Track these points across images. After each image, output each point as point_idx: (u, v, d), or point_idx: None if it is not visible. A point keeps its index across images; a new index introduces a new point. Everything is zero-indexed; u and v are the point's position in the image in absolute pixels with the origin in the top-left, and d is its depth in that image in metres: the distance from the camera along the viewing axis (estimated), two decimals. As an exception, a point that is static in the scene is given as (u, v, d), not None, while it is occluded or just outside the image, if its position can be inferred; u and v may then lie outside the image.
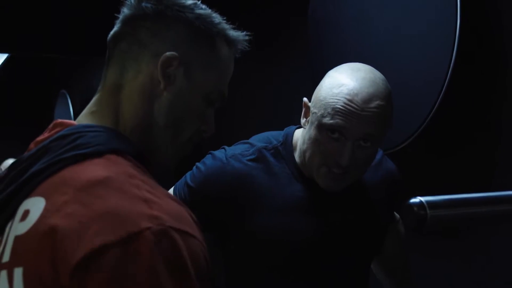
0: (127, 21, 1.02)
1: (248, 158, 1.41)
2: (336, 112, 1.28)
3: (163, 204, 0.86)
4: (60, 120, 1.00)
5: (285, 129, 1.49)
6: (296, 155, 1.42)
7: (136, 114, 0.98)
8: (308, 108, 1.38)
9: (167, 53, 0.97)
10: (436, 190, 1.45)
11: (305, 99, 1.40)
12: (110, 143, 0.93)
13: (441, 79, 1.76)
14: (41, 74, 6.11)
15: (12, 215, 0.90)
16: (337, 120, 1.27)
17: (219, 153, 1.44)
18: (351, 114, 1.27)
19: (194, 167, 1.46)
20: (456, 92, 1.78)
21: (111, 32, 1.04)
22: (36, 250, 0.82)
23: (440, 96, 1.77)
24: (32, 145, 0.98)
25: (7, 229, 0.90)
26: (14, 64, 5.66)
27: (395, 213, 1.58)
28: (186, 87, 1.00)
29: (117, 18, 1.04)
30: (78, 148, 0.90)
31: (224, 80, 1.06)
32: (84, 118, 1.00)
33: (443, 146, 1.97)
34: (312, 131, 1.33)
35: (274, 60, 2.87)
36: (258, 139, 1.47)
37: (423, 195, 0.88)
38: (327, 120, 1.29)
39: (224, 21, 1.05)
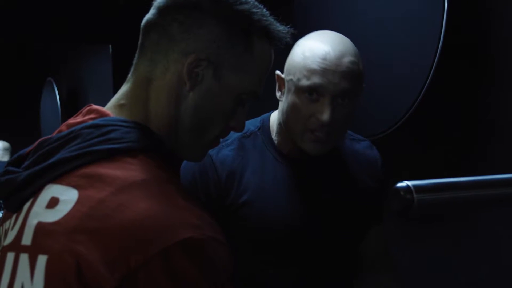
0: (161, 9, 0.97)
1: (229, 148, 1.41)
2: (311, 73, 1.30)
3: (196, 211, 0.86)
4: (95, 107, 0.97)
5: (261, 115, 1.51)
6: (274, 136, 1.44)
7: (162, 114, 0.96)
8: (282, 79, 1.40)
9: (195, 54, 0.94)
10: (422, 176, 1.44)
11: (277, 72, 1.41)
12: (143, 141, 0.91)
13: (428, 65, 1.76)
14: (27, 61, 6.04)
15: (31, 195, 0.88)
16: (314, 80, 1.30)
17: None
18: (326, 71, 1.29)
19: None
20: (443, 78, 1.78)
21: (145, 18, 0.99)
22: (65, 245, 0.81)
23: (427, 82, 1.77)
24: (63, 127, 0.95)
25: (24, 208, 0.88)
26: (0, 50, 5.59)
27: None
28: (214, 88, 0.96)
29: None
30: (111, 142, 0.89)
31: (258, 80, 1.02)
32: (113, 110, 0.97)
33: (429, 132, 1.97)
34: (290, 98, 1.35)
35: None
36: None
37: (410, 180, 0.88)
38: (304, 82, 1.31)
39: (266, 16, 1.00)
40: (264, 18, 0.99)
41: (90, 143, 0.88)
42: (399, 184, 0.75)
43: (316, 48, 1.32)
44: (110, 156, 0.88)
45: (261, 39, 1.00)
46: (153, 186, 0.86)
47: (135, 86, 0.98)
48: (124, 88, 1.00)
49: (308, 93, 1.31)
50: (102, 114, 0.95)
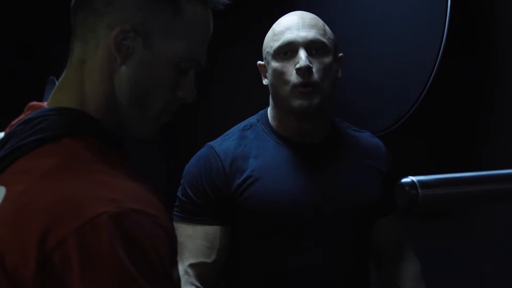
0: None
1: (230, 139, 1.48)
2: (280, 34, 1.43)
3: (121, 186, 0.84)
4: (32, 103, 0.96)
5: (258, 112, 1.57)
6: (272, 121, 1.50)
7: (98, 93, 0.93)
8: (262, 65, 1.50)
9: (121, 25, 0.90)
10: (427, 171, 1.44)
11: (258, 62, 1.52)
12: (69, 126, 0.89)
13: (430, 64, 1.75)
14: (30, 59, 6.05)
15: None
16: (283, 39, 1.42)
17: (203, 148, 1.51)
18: (292, 29, 1.43)
19: (184, 171, 1.51)
20: (446, 73, 1.78)
21: None
22: None
23: (431, 78, 1.76)
24: (7, 129, 0.95)
25: None
26: (1, 49, 5.59)
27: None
28: (148, 59, 0.92)
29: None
30: (38, 133, 0.88)
31: (196, 46, 0.96)
32: (51, 99, 0.96)
33: (432, 130, 1.97)
34: (271, 68, 1.45)
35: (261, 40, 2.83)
36: (235, 126, 1.54)
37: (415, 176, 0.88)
38: (275, 44, 1.44)
39: None
40: None
41: (21, 138, 0.88)
42: (403, 180, 0.75)
43: (283, 18, 1.48)
44: (38, 146, 0.87)
45: (192, 3, 0.94)
46: (72, 168, 0.84)
47: (70, 70, 0.96)
48: (62, 75, 0.97)
49: (283, 53, 1.42)
50: (36, 108, 0.94)
